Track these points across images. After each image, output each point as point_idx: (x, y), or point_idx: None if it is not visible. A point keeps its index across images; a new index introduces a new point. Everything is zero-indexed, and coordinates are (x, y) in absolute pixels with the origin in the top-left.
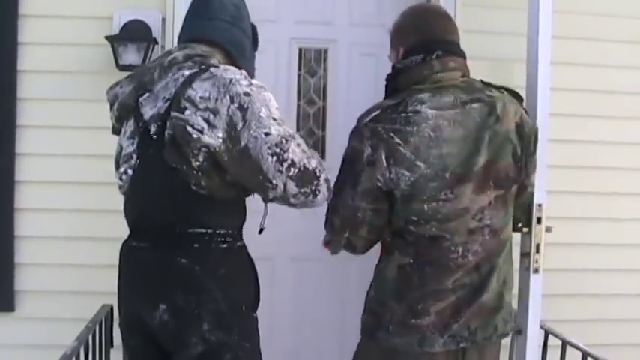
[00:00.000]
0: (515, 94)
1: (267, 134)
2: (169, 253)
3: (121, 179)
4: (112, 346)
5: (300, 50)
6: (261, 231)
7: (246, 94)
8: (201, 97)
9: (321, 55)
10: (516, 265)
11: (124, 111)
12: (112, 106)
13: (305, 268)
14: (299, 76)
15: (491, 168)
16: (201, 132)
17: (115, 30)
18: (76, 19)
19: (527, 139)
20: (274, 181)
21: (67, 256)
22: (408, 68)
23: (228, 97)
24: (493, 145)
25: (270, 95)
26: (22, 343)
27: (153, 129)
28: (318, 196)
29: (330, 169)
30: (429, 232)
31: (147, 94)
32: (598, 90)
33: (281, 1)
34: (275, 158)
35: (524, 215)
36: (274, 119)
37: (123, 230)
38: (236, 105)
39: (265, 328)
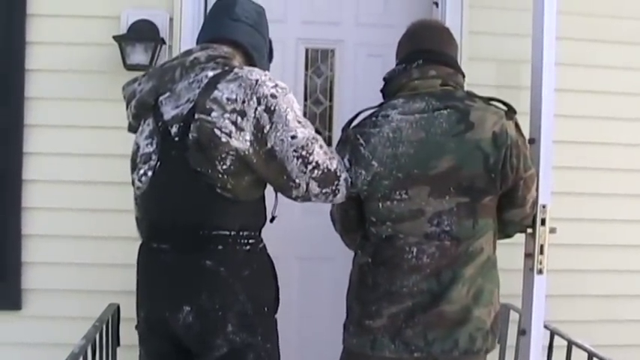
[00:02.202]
0: (508, 107)
1: (293, 137)
2: (193, 256)
3: (140, 180)
4: (118, 344)
5: (306, 50)
6: (272, 219)
7: (273, 95)
8: (227, 99)
9: (328, 56)
10: (519, 265)
11: (143, 109)
12: (128, 103)
13: (310, 266)
14: (306, 76)
15: (453, 174)
16: (230, 135)
17: (123, 30)
18: (84, 19)
19: (505, 149)
20: (298, 181)
21: (74, 255)
22: (392, 78)
23: (255, 98)
24: (460, 151)
25: (293, 97)
26: (29, 342)
27: (174, 130)
28: (338, 195)
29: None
30: (385, 233)
31: (167, 94)
32: (602, 91)
33: (288, 2)
34: (300, 160)
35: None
36: (299, 122)
37: (129, 229)
38: (263, 107)
39: None
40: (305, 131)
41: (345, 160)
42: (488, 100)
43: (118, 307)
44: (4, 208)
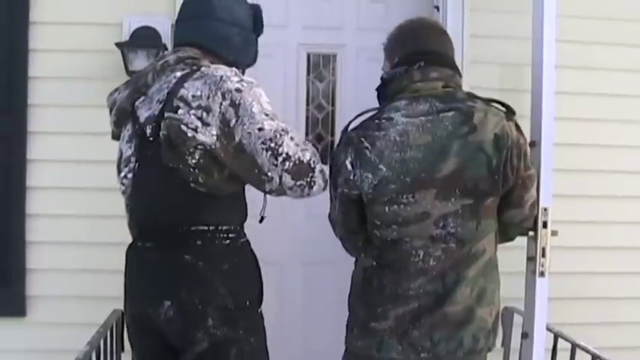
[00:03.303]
0: (507, 108)
1: (260, 129)
2: (174, 252)
3: (122, 183)
4: (122, 350)
5: (308, 55)
6: (261, 220)
7: (238, 90)
8: (193, 96)
9: (330, 60)
10: (522, 268)
11: (122, 115)
12: (111, 111)
13: (314, 271)
14: (308, 81)
15: (458, 176)
16: (196, 130)
17: (125, 36)
18: (86, 26)
19: (506, 150)
20: (270, 174)
21: (78, 261)
22: (392, 79)
23: (219, 94)
24: (463, 154)
25: (261, 91)
26: (34, 348)
27: (149, 130)
28: (314, 187)
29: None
30: (390, 236)
31: (142, 98)
32: (603, 94)
33: (289, 7)
34: (269, 153)
35: (522, 230)
36: (266, 114)
37: None
38: (228, 102)
39: (275, 330)
40: (272, 123)
41: (348, 162)
42: (487, 102)
43: (122, 313)
44: (8, 214)
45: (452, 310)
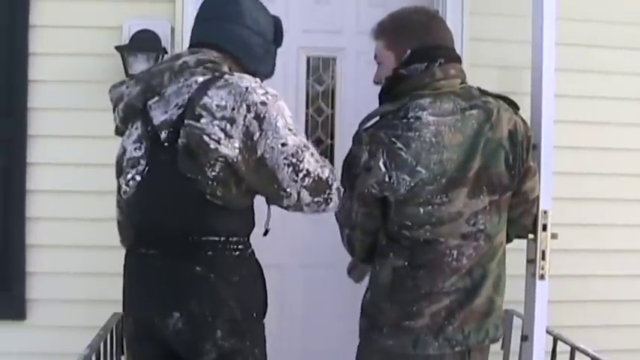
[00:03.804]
0: (511, 103)
1: (284, 144)
2: (183, 261)
3: (127, 184)
4: (122, 353)
5: (308, 59)
6: (266, 233)
7: (263, 103)
8: (217, 106)
9: (329, 64)
10: (522, 271)
11: (131, 113)
12: (115, 106)
13: (314, 275)
14: (307, 84)
15: (484, 173)
16: (219, 142)
17: (125, 40)
18: (86, 30)
19: (519, 146)
20: (289, 190)
21: (78, 264)
22: (412, 76)
23: (245, 106)
24: (486, 151)
25: (284, 104)
26: (34, 351)
27: (164, 135)
28: (330, 204)
29: (339, 176)
30: (423, 236)
31: (156, 98)
32: (603, 97)
33: (289, 10)
34: (291, 169)
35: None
36: (290, 129)
37: None
38: (253, 114)
39: (275, 334)
40: (296, 139)
41: (380, 163)
42: (496, 97)
43: (122, 317)
44: (8, 218)
45: (478, 303)
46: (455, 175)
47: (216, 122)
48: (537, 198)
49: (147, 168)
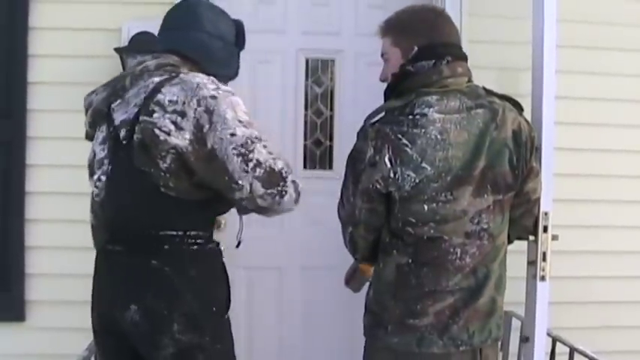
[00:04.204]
0: (515, 103)
1: (232, 135)
2: (142, 256)
3: (96, 186)
4: None
5: (307, 60)
6: (238, 244)
7: (213, 97)
8: (169, 101)
9: (328, 65)
10: (523, 273)
11: (97, 117)
12: (86, 112)
13: (314, 276)
14: (306, 86)
15: (488, 173)
16: (169, 134)
17: (124, 42)
18: (85, 31)
19: (523, 146)
20: (240, 182)
21: (77, 266)
22: (419, 72)
23: (195, 100)
24: (491, 150)
25: (237, 99)
26: (33, 353)
27: (122, 133)
28: (285, 197)
29: (338, 178)
30: (427, 234)
31: (118, 101)
32: (603, 98)
33: (288, 12)
34: (240, 158)
35: (520, 231)
36: (240, 121)
37: None
38: (203, 108)
39: (275, 336)
40: (246, 130)
41: (386, 159)
42: (501, 97)
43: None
44: (7, 219)
45: (482, 302)
46: (460, 173)
47: (167, 116)
48: (539, 199)
49: (110, 167)
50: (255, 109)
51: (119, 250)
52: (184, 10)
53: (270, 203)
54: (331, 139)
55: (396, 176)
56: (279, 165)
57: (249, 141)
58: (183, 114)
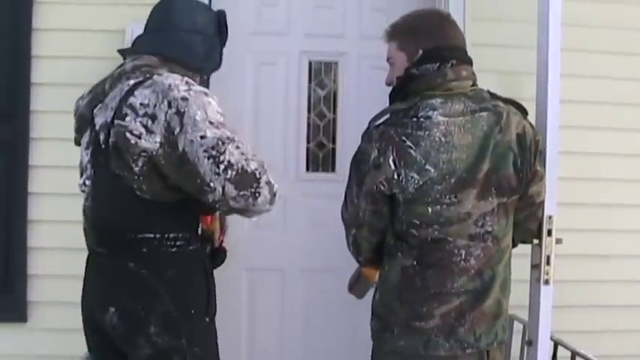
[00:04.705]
0: (519, 107)
1: (202, 137)
2: (120, 258)
3: (82, 190)
4: None
5: (310, 63)
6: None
7: (184, 98)
8: (141, 104)
9: (331, 68)
10: (526, 276)
11: (83, 122)
12: (74, 117)
13: (315, 279)
14: (309, 88)
15: (493, 176)
16: (139, 137)
17: (127, 43)
18: (89, 33)
19: (527, 149)
20: (212, 185)
21: (80, 267)
22: (423, 75)
23: (166, 102)
24: (496, 153)
25: (210, 100)
26: (35, 354)
27: (102, 137)
28: (259, 199)
29: (341, 180)
30: (431, 236)
31: (100, 105)
32: (608, 102)
33: (291, 15)
34: (211, 161)
35: (524, 235)
36: (211, 122)
37: None
38: (174, 110)
39: (276, 339)
40: (217, 131)
41: (390, 161)
42: (505, 101)
43: None
44: (10, 220)
45: (488, 305)
46: (464, 175)
47: (138, 119)
48: (543, 202)
49: (92, 171)
50: (257, 111)
51: (103, 253)
52: (160, 10)
53: (244, 205)
54: (334, 141)
55: (400, 178)
56: (252, 166)
57: (219, 142)
58: (154, 117)
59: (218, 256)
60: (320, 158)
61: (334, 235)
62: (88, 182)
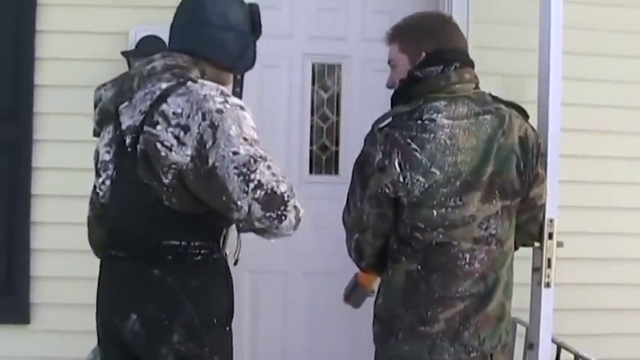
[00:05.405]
0: (520, 110)
1: (235, 153)
2: (144, 264)
3: (100, 188)
4: None
5: (313, 65)
6: (235, 262)
7: (219, 111)
8: (174, 113)
9: (335, 70)
10: (527, 279)
11: (105, 116)
12: (95, 107)
13: (317, 281)
14: (312, 91)
15: (497, 178)
16: (170, 149)
17: (131, 45)
18: (92, 35)
19: (529, 152)
20: (239, 203)
21: (83, 269)
22: (427, 78)
23: (200, 113)
24: (499, 156)
25: (245, 114)
26: (38, 356)
27: (128, 140)
28: (284, 222)
29: (344, 183)
30: (435, 239)
31: (126, 103)
32: (610, 105)
33: (294, 17)
34: (241, 178)
35: (526, 238)
36: (245, 139)
37: None
38: (207, 122)
39: (279, 341)
40: (250, 148)
41: (395, 163)
42: (507, 104)
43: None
44: (13, 222)
45: (491, 308)
46: (469, 178)
47: (170, 129)
48: (544, 205)
49: (115, 172)
50: (261, 114)
51: (122, 257)
52: (191, 4)
53: (268, 227)
54: (337, 144)
55: (406, 181)
56: (282, 188)
57: (252, 160)
58: (186, 128)
59: None
60: (323, 161)
61: (337, 238)
62: (107, 182)
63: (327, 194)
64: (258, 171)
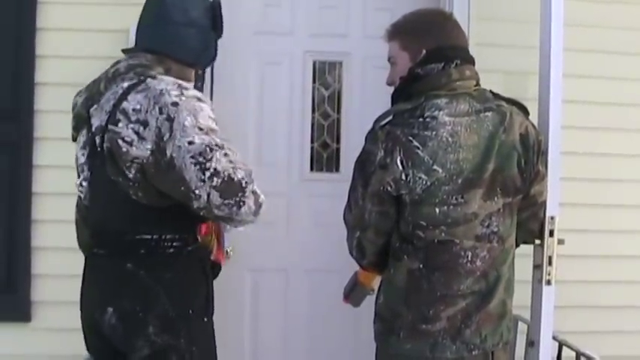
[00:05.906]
0: (521, 107)
1: (190, 142)
2: (119, 260)
3: (79, 190)
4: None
5: (314, 63)
6: (227, 256)
7: (174, 104)
8: (133, 110)
9: (336, 68)
10: (528, 276)
11: (79, 121)
12: (72, 113)
13: (319, 279)
14: (313, 88)
15: (498, 176)
16: (131, 144)
17: (131, 43)
18: (93, 33)
19: (530, 149)
20: (197, 192)
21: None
22: (428, 75)
23: (157, 108)
24: (500, 153)
25: (203, 105)
26: (39, 354)
27: (97, 140)
28: (243, 208)
29: (345, 180)
30: (438, 237)
31: (95, 106)
32: (610, 102)
33: (295, 15)
34: (198, 167)
35: (526, 235)
36: (200, 128)
37: None
38: (164, 116)
39: (280, 339)
40: (205, 137)
41: (398, 161)
42: (507, 101)
43: None
44: (13, 220)
45: (493, 306)
46: (471, 175)
47: (131, 125)
48: (545, 202)
49: (89, 173)
50: (261, 111)
51: (102, 254)
52: (153, 3)
53: (228, 214)
54: (338, 141)
55: (408, 179)
56: (238, 175)
57: (207, 149)
58: (145, 123)
59: (212, 269)
60: (324, 158)
61: (338, 236)
62: (84, 183)
63: (328, 192)
64: (214, 159)
